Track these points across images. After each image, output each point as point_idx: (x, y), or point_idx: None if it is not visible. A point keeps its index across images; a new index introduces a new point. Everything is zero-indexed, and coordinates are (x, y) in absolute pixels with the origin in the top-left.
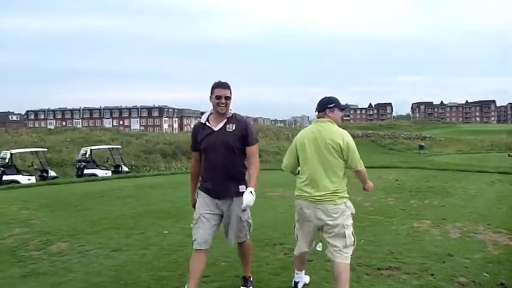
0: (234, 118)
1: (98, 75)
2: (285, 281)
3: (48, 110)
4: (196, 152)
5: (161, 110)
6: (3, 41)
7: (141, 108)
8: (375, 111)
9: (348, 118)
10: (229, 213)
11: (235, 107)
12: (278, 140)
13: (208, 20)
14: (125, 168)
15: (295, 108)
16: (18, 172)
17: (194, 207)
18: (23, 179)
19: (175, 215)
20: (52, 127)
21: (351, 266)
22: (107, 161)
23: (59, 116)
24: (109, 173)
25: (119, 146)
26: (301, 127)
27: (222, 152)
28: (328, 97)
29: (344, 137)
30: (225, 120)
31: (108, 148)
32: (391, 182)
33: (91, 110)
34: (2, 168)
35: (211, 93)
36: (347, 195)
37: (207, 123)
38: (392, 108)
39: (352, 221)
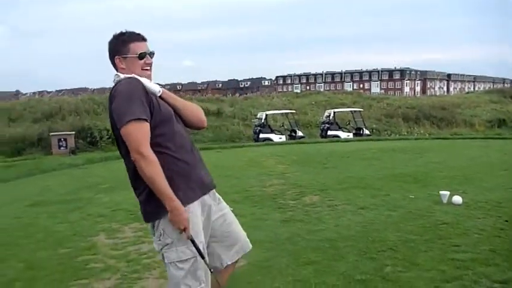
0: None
1: (338, 40)
2: None
3: (294, 75)
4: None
5: (403, 72)
6: (247, 14)
7: (382, 71)
8: None
9: None
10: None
11: None
12: None
13: None
14: (366, 131)
15: None
16: (272, 131)
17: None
18: (275, 137)
19: (422, 180)
20: (298, 91)
21: None
22: (349, 124)
23: (304, 81)
24: (351, 135)
25: (361, 109)
26: None
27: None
28: None
29: None
30: None
31: (350, 111)
32: None
33: (332, 74)
34: (259, 127)
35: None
36: None
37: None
38: None
39: None
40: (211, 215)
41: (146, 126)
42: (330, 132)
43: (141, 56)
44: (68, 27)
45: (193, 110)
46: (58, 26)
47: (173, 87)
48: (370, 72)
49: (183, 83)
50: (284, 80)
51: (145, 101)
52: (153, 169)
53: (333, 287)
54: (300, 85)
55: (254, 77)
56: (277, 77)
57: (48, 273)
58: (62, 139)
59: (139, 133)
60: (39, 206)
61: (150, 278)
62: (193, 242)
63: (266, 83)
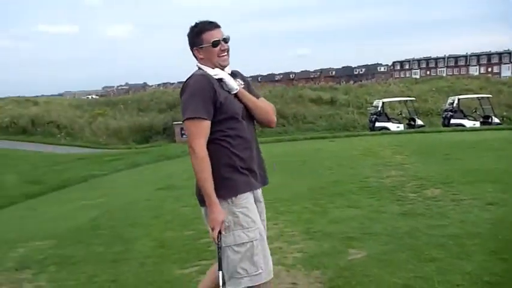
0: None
1: (460, 21)
2: None
3: (413, 60)
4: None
5: None
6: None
7: None
8: None
9: None
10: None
11: None
12: None
13: None
14: (496, 120)
15: None
16: (389, 120)
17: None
18: (392, 126)
19: None
20: (417, 76)
21: None
22: (475, 111)
23: (423, 65)
24: (477, 124)
25: (489, 95)
26: None
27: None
28: None
29: None
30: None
31: (477, 97)
32: None
33: (456, 58)
34: (375, 116)
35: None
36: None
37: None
38: None
39: None
40: (259, 212)
41: (204, 124)
42: (453, 121)
43: (215, 44)
44: (185, 20)
45: (263, 111)
46: (177, 20)
47: (286, 76)
48: (500, 54)
49: (295, 71)
50: (402, 66)
51: (210, 99)
52: (200, 164)
53: (457, 287)
54: (419, 70)
55: (369, 63)
56: (394, 62)
57: (175, 252)
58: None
59: (195, 129)
60: (166, 190)
61: None
62: (220, 248)
63: (382, 69)
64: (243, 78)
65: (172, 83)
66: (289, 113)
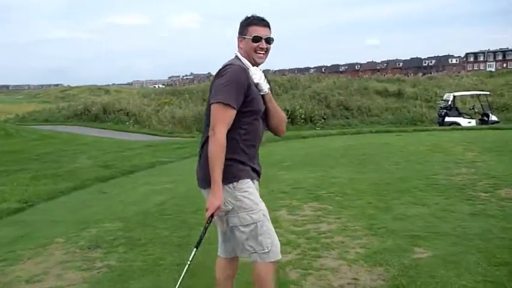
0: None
1: None
2: None
3: (488, 52)
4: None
5: None
6: None
7: None
8: None
9: None
10: None
11: None
12: None
13: None
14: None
15: None
16: (460, 114)
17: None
18: (463, 121)
19: None
20: (492, 69)
21: None
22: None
23: (499, 58)
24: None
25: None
26: None
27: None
28: None
29: None
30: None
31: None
32: None
33: None
34: (445, 110)
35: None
36: None
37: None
38: None
39: None
40: None
41: (230, 112)
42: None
43: (255, 39)
44: (251, 12)
45: (279, 119)
46: (242, 11)
47: (351, 67)
48: None
49: (361, 62)
50: (475, 57)
51: (243, 92)
52: (217, 149)
53: None
54: (494, 63)
55: (440, 55)
56: (467, 54)
57: None
58: None
59: (222, 115)
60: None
61: (329, 258)
62: (205, 229)
63: (453, 61)
64: (268, 81)
65: None
66: (353, 105)
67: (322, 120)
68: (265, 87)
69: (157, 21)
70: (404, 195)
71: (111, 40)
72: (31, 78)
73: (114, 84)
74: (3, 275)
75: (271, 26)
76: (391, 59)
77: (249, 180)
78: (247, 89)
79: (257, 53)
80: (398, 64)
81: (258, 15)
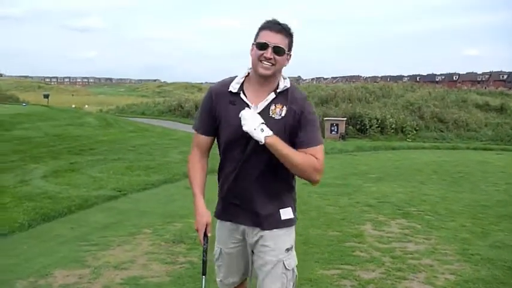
0: (288, 93)
1: None
2: None
3: None
4: (205, 137)
5: None
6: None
7: None
8: None
9: None
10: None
11: None
12: None
13: None
14: None
15: None
16: None
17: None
18: None
19: None
20: None
21: None
22: None
23: None
24: None
25: None
26: None
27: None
28: None
29: None
30: (273, 94)
31: None
32: None
33: None
34: None
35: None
36: None
37: (241, 94)
38: None
39: None
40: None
41: (197, 137)
42: None
43: (259, 45)
44: (341, 16)
45: (298, 168)
46: (333, 15)
47: (448, 77)
48: None
49: (460, 72)
50: None
51: (207, 115)
52: (188, 171)
53: None
54: None
55: None
56: None
57: (318, 251)
58: (334, 124)
59: (193, 139)
60: (310, 185)
61: (415, 281)
62: (205, 251)
63: None
64: (296, 102)
65: (326, 78)
66: (449, 118)
67: (414, 131)
68: (259, 135)
69: (246, 23)
70: (503, 221)
71: (205, 40)
72: (133, 73)
73: (206, 82)
74: (95, 259)
75: (291, 34)
76: (494, 70)
77: (225, 222)
78: (214, 112)
79: (261, 61)
80: (502, 76)
81: (275, 19)
